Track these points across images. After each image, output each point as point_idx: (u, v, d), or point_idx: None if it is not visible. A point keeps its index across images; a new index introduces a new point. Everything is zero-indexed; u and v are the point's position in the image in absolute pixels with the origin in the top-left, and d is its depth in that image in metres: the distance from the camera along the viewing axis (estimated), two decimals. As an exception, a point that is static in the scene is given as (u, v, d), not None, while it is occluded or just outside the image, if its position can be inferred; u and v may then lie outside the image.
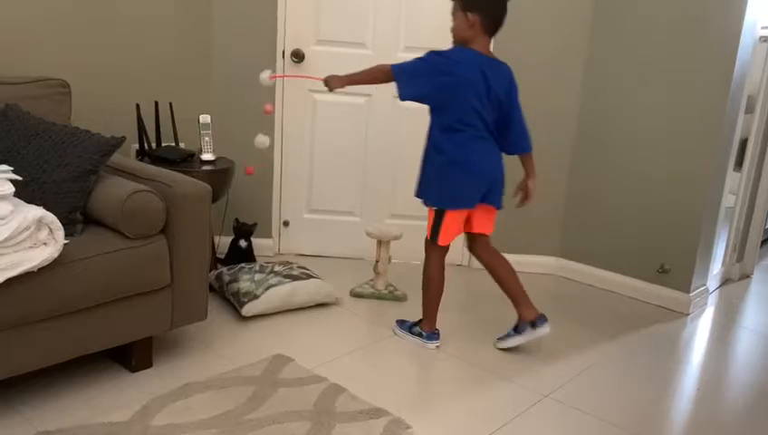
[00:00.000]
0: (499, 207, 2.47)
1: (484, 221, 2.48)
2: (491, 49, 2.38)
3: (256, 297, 2.59)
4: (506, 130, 2.40)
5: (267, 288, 2.62)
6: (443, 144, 2.35)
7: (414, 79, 2.31)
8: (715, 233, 3.26)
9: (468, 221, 2.47)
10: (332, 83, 2.41)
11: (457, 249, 3.31)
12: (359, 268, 3.24)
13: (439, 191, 2.40)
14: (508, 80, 2.39)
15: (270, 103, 2.96)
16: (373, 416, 1.97)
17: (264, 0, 3.10)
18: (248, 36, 3.13)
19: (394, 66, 2.31)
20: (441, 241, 2.43)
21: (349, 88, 2.46)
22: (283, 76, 3.11)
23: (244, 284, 2.65)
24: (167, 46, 2.97)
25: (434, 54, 2.31)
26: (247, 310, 2.57)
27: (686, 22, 2.93)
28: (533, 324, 2.46)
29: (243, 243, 3.08)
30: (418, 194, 2.47)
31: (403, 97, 2.32)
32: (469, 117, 2.31)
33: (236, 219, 3.10)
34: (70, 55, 2.64)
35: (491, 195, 2.41)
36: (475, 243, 2.53)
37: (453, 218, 2.41)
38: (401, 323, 2.62)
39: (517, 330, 2.49)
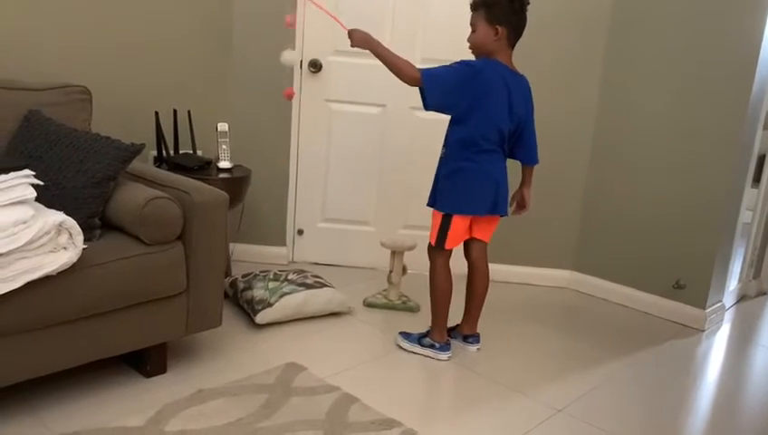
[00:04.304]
0: (505, 214, 2.50)
1: (486, 228, 2.51)
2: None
3: (270, 305, 2.59)
4: (519, 140, 2.44)
5: (281, 296, 2.63)
6: (458, 153, 2.37)
7: (443, 87, 2.25)
8: (732, 249, 3.23)
9: (470, 226, 2.49)
10: (354, 39, 2.31)
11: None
12: (372, 278, 3.25)
13: (452, 197, 2.41)
14: (526, 92, 2.41)
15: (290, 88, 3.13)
16: (385, 427, 1.97)
17: (282, 11, 3.13)
18: (267, 46, 3.16)
19: (425, 72, 2.21)
20: (448, 245, 2.44)
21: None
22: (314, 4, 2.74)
23: (259, 291, 2.66)
24: (187, 55, 3.00)
25: (464, 64, 2.29)
26: (261, 317, 2.58)
27: (705, 36, 2.92)
28: (466, 338, 2.61)
29: None
30: (432, 203, 2.47)
31: (430, 105, 2.25)
32: (488, 129, 2.32)
33: None
34: (92, 63, 2.68)
35: (499, 204, 2.42)
36: (472, 248, 2.54)
37: (460, 224, 2.42)
38: (406, 335, 2.58)
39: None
